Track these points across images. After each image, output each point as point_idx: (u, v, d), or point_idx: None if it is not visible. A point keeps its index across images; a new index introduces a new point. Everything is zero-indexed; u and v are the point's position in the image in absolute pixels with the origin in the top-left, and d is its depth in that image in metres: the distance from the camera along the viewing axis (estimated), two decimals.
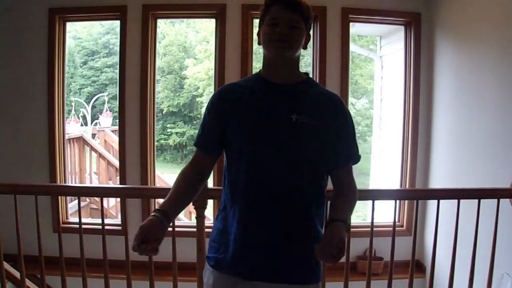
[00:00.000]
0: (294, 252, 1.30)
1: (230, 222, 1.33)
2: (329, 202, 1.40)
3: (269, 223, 1.29)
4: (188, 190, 1.41)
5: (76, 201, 3.95)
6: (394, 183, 3.77)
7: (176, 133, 12.58)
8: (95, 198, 4.54)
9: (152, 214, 1.34)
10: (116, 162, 5.02)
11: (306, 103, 1.33)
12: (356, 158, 1.39)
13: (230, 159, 1.36)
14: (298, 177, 1.30)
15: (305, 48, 1.36)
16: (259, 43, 1.36)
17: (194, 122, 12.54)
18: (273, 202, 1.29)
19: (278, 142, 1.29)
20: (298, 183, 1.31)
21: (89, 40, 13.88)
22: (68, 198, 3.72)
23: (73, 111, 7.52)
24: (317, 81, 3.31)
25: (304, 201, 1.32)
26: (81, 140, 5.39)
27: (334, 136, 1.32)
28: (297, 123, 1.28)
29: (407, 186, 3.40)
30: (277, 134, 1.29)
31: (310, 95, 1.35)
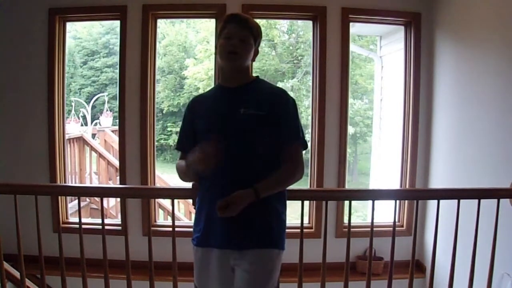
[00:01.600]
0: (251, 226, 1.58)
1: (201, 206, 1.67)
2: None
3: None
4: None
5: (76, 201, 3.96)
6: (394, 183, 3.77)
7: (176, 132, 12.58)
8: (95, 198, 4.54)
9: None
10: (116, 162, 5.02)
11: (252, 97, 1.62)
12: (293, 138, 1.63)
13: None
14: (253, 160, 1.59)
15: (253, 60, 1.69)
16: (215, 54, 1.68)
17: None
18: (232, 184, 1.55)
19: (231, 131, 1.59)
20: (253, 165, 1.59)
21: (89, 40, 13.89)
22: (68, 198, 3.72)
23: (73, 111, 7.52)
24: (317, 81, 3.32)
25: (256, 181, 1.56)
26: (81, 140, 5.39)
27: (277, 122, 1.59)
28: (245, 114, 1.57)
29: (407, 186, 3.40)
30: (230, 126, 1.59)
31: (256, 91, 1.65)
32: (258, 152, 1.59)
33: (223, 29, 1.62)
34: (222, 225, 1.58)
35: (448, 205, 2.05)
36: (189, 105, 1.76)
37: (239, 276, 1.58)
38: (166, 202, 4.89)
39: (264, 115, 1.57)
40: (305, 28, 10.87)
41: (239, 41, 1.58)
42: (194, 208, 1.74)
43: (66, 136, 3.64)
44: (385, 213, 3.66)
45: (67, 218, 3.48)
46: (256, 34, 1.63)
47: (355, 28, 4.17)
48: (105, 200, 3.16)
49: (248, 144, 1.58)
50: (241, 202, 1.52)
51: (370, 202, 2.01)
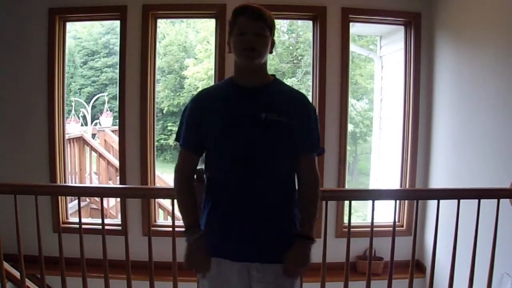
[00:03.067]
0: (271, 238, 1.47)
1: (215, 214, 1.51)
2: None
3: (250, 213, 1.46)
4: (194, 197, 1.56)
5: (76, 201, 3.95)
6: (394, 183, 3.77)
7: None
8: (95, 198, 4.54)
9: (190, 235, 1.54)
10: (116, 162, 5.02)
11: (273, 101, 1.49)
12: (313, 148, 1.54)
13: (210, 158, 1.53)
14: (273, 170, 1.48)
15: (271, 52, 1.52)
16: (229, 51, 1.51)
17: None
18: (251, 196, 1.46)
19: (252, 139, 1.46)
20: (273, 176, 1.48)
21: (89, 40, 13.88)
22: (68, 198, 3.72)
23: (73, 111, 7.52)
24: (317, 81, 3.32)
25: (281, 191, 1.50)
26: (81, 140, 5.39)
27: (298, 130, 1.48)
28: (267, 120, 1.44)
29: (407, 186, 3.40)
30: (250, 132, 1.46)
31: (277, 94, 1.52)
32: (280, 157, 1.48)
33: (234, 24, 1.47)
34: (241, 234, 1.47)
35: (448, 205, 2.05)
36: (197, 100, 1.56)
37: None
38: (166, 202, 4.88)
39: (285, 121, 1.45)
40: (305, 28, 10.87)
41: (255, 36, 1.43)
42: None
43: (66, 136, 3.64)
44: (385, 213, 3.66)
45: (67, 218, 3.48)
46: (271, 25, 1.48)
47: (355, 28, 4.17)
48: (105, 200, 3.16)
49: (269, 152, 1.47)
50: (307, 259, 1.48)
51: (370, 202, 2.01)
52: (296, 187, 1.55)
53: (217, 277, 1.51)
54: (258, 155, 1.45)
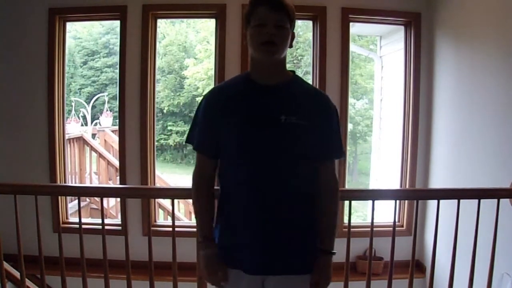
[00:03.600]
0: (293, 246, 1.40)
1: (231, 220, 1.42)
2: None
3: (269, 221, 1.37)
4: (211, 209, 1.50)
5: (76, 201, 3.95)
6: (394, 183, 3.77)
7: (177, 132, 12.59)
8: (95, 198, 4.54)
9: (204, 248, 1.45)
10: (116, 162, 5.02)
11: (294, 103, 1.38)
12: (336, 153, 1.46)
13: (225, 162, 1.43)
14: (293, 176, 1.38)
15: (290, 46, 1.38)
16: (245, 44, 1.39)
17: None
18: (270, 202, 1.36)
19: (271, 143, 1.36)
20: (293, 181, 1.38)
21: (89, 40, 13.88)
22: (68, 198, 3.72)
23: (73, 111, 7.52)
24: (317, 81, 3.32)
25: (299, 198, 1.40)
26: (81, 140, 5.39)
27: (319, 134, 1.39)
28: (286, 123, 1.34)
29: (407, 186, 3.40)
30: (269, 135, 1.35)
31: (297, 94, 1.40)
32: (300, 166, 1.38)
33: (251, 14, 1.33)
34: (256, 246, 1.38)
35: (448, 205, 2.05)
36: (211, 99, 1.45)
37: None
38: (166, 202, 4.88)
39: (305, 124, 1.35)
40: (305, 28, 10.87)
41: (275, 28, 1.30)
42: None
43: (66, 136, 3.64)
44: (385, 213, 3.66)
45: (67, 218, 3.48)
46: (293, 15, 1.35)
47: (355, 28, 4.17)
48: (105, 200, 3.16)
49: (289, 158, 1.37)
50: (329, 272, 1.44)
51: (370, 202, 2.01)
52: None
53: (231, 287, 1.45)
54: (277, 161, 1.36)
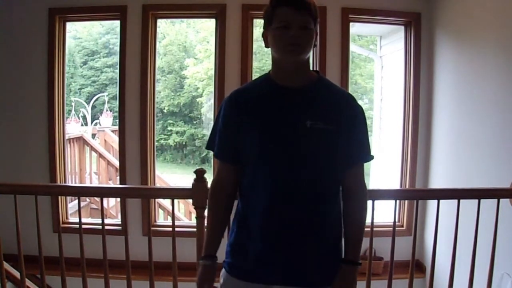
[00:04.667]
0: (315, 257, 1.32)
1: (250, 229, 1.33)
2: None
3: (292, 230, 1.30)
4: (224, 223, 1.45)
5: (76, 201, 3.95)
6: (394, 183, 3.77)
7: (177, 132, 12.59)
8: (95, 198, 4.54)
9: (205, 262, 1.42)
10: (116, 162, 5.01)
11: (319, 106, 1.30)
12: (365, 157, 1.37)
13: (248, 168, 1.35)
14: (319, 183, 1.31)
15: (315, 46, 1.31)
16: (266, 46, 1.32)
17: (194, 122, 12.55)
18: (295, 210, 1.29)
19: (296, 149, 1.28)
20: (319, 188, 1.31)
21: (89, 40, 13.87)
22: (68, 198, 3.72)
23: (73, 111, 7.52)
24: None
25: (325, 206, 1.33)
26: (81, 140, 5.39)
27: (346, 138, 1.31)
28: (312, 128, 1.26)
29: (407, 186, 3.40)
30: (294, 141, 1.28)
31: (323, 97, 1.33)
32: (326, 171, 1.31)
33: (273, 15, 1.26)
34: (280, 257, 1.30)
35: (448, 205, 2.05)
36: (232, 101, 1.36)
37: None
38: (166, 202, 4.88)
39: (333, 129, 1.28)
40: None
41: (300, 30, 1.23)
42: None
43: (66, 136, 3.64)
44: (385, 213, 3.66)
45: (67, 218, 3.48)
46: (316, 15, 1.29)
47: (355, 28, 4.17)
48: (105, 200, 3.16)
49: (316, 165, 1.30)
50: (353, 284, 1.37)
51: (370, 202, 2.00)
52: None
53: None
54: (301, 168, 1.28)
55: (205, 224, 1.47)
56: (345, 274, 1.33)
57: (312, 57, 3.42)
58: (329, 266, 1.35)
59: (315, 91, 1.33)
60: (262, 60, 11.19)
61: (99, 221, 2.03)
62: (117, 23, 3.36)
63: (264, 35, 1.32)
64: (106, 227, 2.02)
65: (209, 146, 1.43)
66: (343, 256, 1.36)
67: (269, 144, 1.29)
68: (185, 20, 12.21)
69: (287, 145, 1.28)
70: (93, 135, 6.85)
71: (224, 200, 1.41)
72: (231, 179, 1.39)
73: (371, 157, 1.38)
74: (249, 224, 1.33)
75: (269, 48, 1.32)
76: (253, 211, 1.33)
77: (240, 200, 1.39)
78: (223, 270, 1.40)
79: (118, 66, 3.37)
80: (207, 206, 1.45)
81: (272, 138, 1.29)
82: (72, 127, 6.34)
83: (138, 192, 2.53)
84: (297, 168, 1.28)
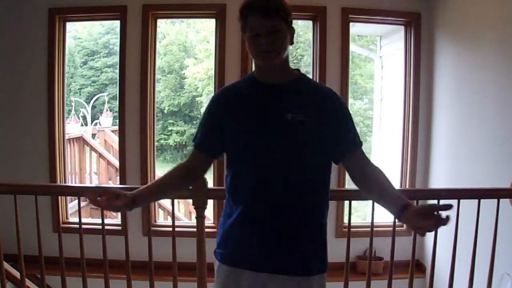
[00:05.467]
0: (298, 246, 1.36)
1: (236, 219, 1.38)
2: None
3: (273, 220, 1.34)
4: (169, 187, 1.51)
5: (76, 201, 3.95)
6: (394, 183, 3.76)
7: (177, 132, 12.59)
8: None
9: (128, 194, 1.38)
10: (116, 162, 5.02)
11: (300, 100, 1.36)
12: (359, 142, 1.42)
13: (232, 162, 1.41)
14: (300, 174, 1.34)
15: (291, 43, 1.35)
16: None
17: (194, 122, 12.54)
18: (277, 200, 1.34)
19: (277, 142, 1.33)
20: (301, 180, 1.35)
21: (89, 40, 13.87)
22: (68, 198, 3.72)
23: (73, 111, 7.52)
24: (317, 81, 3.31)
25: (307, 197, 1.37)
26: (81, 140, 5.39)
27: (335, 129, 1.36)
28: (293, 121, 1.31)
29: (407, 186, 3.40)
30: (275, 134, 1.33)
31: (303, 92, 1.39)
32: (307, 162, 1.35)
33: (244, 24, 1.32)
34: (261, 243, 1.35)
35: None
36: (218, 98, 1.45)
37: None
38: (166, 202, 4.88)
39: (313, 121, 1.32)
40: (305, 28, 10.87)
41: (271, 35, 1.27)
42: None
43: (66, 136, 3.64)
44: (385, 213, 3.65)
45: (67, 218, 3.49)
46: (286, 16, 1.31)
47: (355, 28, 4.17)
48: None
49: (296, 154, 1.34)
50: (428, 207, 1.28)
51: (370, 202, 2.00)
52: (328, 194, 1.43)
53: (232, 284, 1.40)
54: (285, 160, 1.33)
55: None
56: (415, 210, 1.26)
57: (312, 57, 3.42)
58: (313, 255, 1.39)
59: (296, 87, 1.39)
60: None
61: (99, 221, 2.03)
62: (117, 23, 3.37)
63: (243, 40, 1.39)
64: (106, 227, 2.02)
65: (194, 139, 1.49)
66: (398, 205, 1.30)
67: (253, 138, 1.36)
68: (185, 20, 12.21)
69: (270, 138, 1.34)
70: (93, 135, 6.85)
71: (172, 171, 1.48)
72: (199, 169, 1.50)
73: (361, 143, 1.44)
74: (236, 214, 1.38)
75: None
76: (239, 203, 1.38)
77: (228, 193, 1.43)
78: (216, 260, 1.45)
79: (118, 66, 3.38)
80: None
81: (255, 132, 1.35)
82: (72, 127, 6.34)
83: None
84: (280, 159, 1.33)
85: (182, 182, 1.54)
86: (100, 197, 1.32)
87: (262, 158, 1.34)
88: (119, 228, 3.29)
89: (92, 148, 5.51)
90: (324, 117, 1.34)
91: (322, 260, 1.43)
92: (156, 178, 1.50)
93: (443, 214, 1.21)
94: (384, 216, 3.63)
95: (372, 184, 1.40)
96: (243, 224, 1.37)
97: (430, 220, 1.21)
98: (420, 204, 1.32)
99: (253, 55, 1.35)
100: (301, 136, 1.33)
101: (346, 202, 2.00)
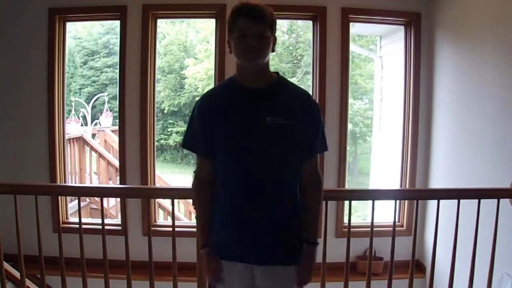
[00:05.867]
0: (278, 239, 1.50)
1: (225, 216, 1.52)
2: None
3: (255, 216, 1.48)
4: (209, 211, 1.59)
5: (76, 201, 3.95)
6: (394, 183, 3.77)
7: (177, 132, 12.59)
8: (95, 198, 4.54)
9: (207, 250, 1.58)
10: (116, 162, 5.01)
11: (279, 103, 1.47)
12: (320, 148, 1.56)
13: (218, 162, 1.53)
14: (279, 173, 1.48)
15: (273, 51, 1.47)
16: (230, 52, 1.48)
17: None
18: (259, 197, 1.47)
19: (257, 143, 1.46)
20: (279, 179, 1.49)
21: (89, 40, 13.87)
22: (68, 198, 3.72)
23: (73, 111, 7.51)
24: (317, 81, 3.32)
25: (285, 194, 1.50)
26: (81, 140, 5.39)
27: (303, 131, 1.48)
28: (272, 123, 1.43)
29: (407, 186, 3.40)
30: (256, 136, 1.46)
31: (282, 95, 1.50)
32: (287, 161, 1.49)
33: (234, 24, 1.43)
34: (248, 238, 1.50)
35: (448, 205, 2.05)
36: (202, 103, 1.56)
37: None
38: (166, 202, 4.88)
39: (291, 123, 1.45)
40: (305, 28, 10.87)
41: (256, 38, 1.40)
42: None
43: (66, 136, 3.64)
44: (385, 213, 3.66)
45: (67, 218, 3.48)
46: (272, 23, 1.44)
47: (355, 28, 4.17)
48: (105, 200, 3.16)
49: (276, 154, 1.47)
50: (311, 264, 1.55)
51: (370, 202, 2.01)
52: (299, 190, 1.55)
53: (225, 277, 1.56)
54: (263, 160, 1.46)
55: (196, 214, 1.65)
56: (307, 255, 1.52)
57: (312, 57, 3.42)
58: (291, 246, 1.52)
59: (275, 90, 1.50)
60: None
61: (99, 221, 2.04)
62: (117, 23, 3.36)
63: (228, 42, 1.48)
64: (106, 227, 2.02)
65: (184, 145, 1.61)
66: (303, 237, 1.53)
67: (236, 139, 1.47)
68: (185, 20, 12.21)
69: (251, 139, 1.46)
70: (93, 135, 6.84)
71: (205, 192, 1.58)
72: (210, 172, 1.57)
73: (326, 149, 1.57)
74: (223, 211, 1.53)
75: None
76: (226, 199, 1.51)
77: (216, 190, 1.55)
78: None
79: (118, 66, 3.37)
80: (193, 198, 1.63)
81: (238, 133, 1.47)
82: (72, 127, 6.33)
83: (138, 192, 2.53)
84: (260, 159, 1.46)
85: (210, 193, 1.59)
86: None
87: (243, 158, 1.46)
88: (119, 228, 3.29)
89: (92, 148, 5.51)
90: (300, 120, 1.46)
91: (294, 249, 1.54)
92: (199, 208, 1.63)
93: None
94: (384, 216, 3.65)
95: (306, 196, 1.54)
96: (230, 218, 1.51)
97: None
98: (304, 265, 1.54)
99: (238, 55, 1.45)
100: (279, 137, 1.45)
101: (346, 202, 2.00)
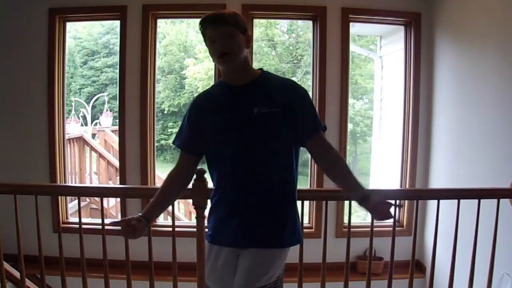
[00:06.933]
0: (266, 225, 1.56)
1: (217, 205, 1.63)
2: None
3: (243, 203, 1.56)
4: (171, 196, 1.73)
5: (76, 201, 3.95)
6: (394, 183, 3.77)
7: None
8: (95, 198, 4.54)
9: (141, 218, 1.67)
10: (116, 162, 5.02)
11: (263, 94, 1.54)
12: (320, 126, 1.60)
13: (210, 157, 1.62)
14: (272, 162, 1.55)
15: (248, 47, 1.55)
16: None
17: None
18: (246, 186, 1.55)
19: (246, 135, 1.53)
20: (270, 163, 1.55)
21: (89, 40, 13.88)
22: (68, 198, 3.72)
23: (73, 111, 7.51)
24: (317, 81, 3.32)
25: (273, 183, 1.56)
26: (81, 140, 5.39)
27: (295, 115, 1.54)
28: (259, 114, 1.51)
29: (407, 186, 3.40)
30: (244, 128, 1.53)
31: (266, 86, 1.57)
32: (276, 150, 1.55)
33: (204, 35, 1.56)
34: (233, 224, 1.58)
35: (448, 205, 2.05)
36: (195, 104, 1.66)
37: (238, 270, 1.60)
38: None
39: (278, 111, 1.51)
40: (305, 28, 10.87)
41: (224, 40, 1.49)
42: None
43: (66, 136, 3.64)
44: None
45: (67, 218, 3.49)
46: (236, 23, 1.52)
47: (355, 28, 4.17)
48: (105, 200, 3.16)
49: (265, 143, 1.54)
50: (382, 207, 1.58)
51: None
52: (296, 179, 1.62)
53: (212, 259, 1.64)
54: (254, 152, 1.53)
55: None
56: (370, 206, 1.56)
57: (312, 57, 3.42)
58: (278, 231, 1.57)
59: (259, 84, 1.58)
60: (262, 60, 11.21)
61: (99, 221, 2.04)
62: (117, 23, 3.36)
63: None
64: (106, 227, 2.02)
65: (174, 142, 1.69)
66: (357, 195, 1.59)
67: (226, 133, 1.55)
68: (185, 20, 12.21)
69: (241, 132, 1.54)
70: (93, 135, 6.84)
71: (168, 180, 1.68)
72: (189, 166, 1.69)
73: (322, 126, 1.61)
74: (217, 201, 1.63)
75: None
76: (220, 189, 1.61)
77: (213, 185, 1.64)
78: (206, 241, 1.70)
79: (118, 66, 3.37)
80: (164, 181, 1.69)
81: (228, 127, 1.55)
82: (72, 127, 6.33)
83: (138, 192, 2.53)
84: (251, 149, 1.53)
85: (178, 187, 1.71)
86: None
87: (235, 149, 1.54)
88: (119, 228, 3.28)
89: (92, 148, 5.51)
90: (286, 107, 1.52)
91: (286, 233, 1.59)
92: (157, 191, 1.69)
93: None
94: None
95: (331, 169, 1.63)
96: (222, 206, 1.61)
97: (386, 206, 1.56)
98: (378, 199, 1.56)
99: (215, 61, 1.56)
100: (268, 125, 1.52)
101: (346, 202, 2.00)
